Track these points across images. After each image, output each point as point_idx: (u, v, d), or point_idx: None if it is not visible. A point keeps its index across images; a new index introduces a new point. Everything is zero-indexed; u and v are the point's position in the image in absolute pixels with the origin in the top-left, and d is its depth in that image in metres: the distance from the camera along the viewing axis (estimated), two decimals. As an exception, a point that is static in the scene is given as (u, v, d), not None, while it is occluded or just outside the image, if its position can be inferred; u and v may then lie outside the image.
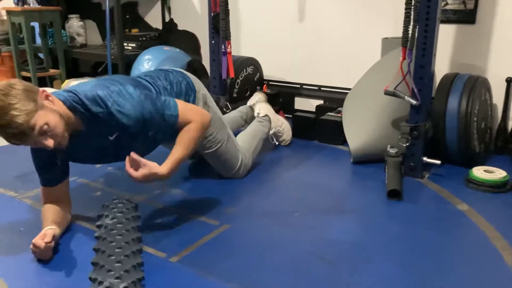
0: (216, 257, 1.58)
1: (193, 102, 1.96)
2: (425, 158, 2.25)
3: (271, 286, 1.41)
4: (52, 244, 1.54)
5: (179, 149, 1.69)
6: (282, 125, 2.68)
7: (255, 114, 2.62)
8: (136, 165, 1.58)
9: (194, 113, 1.75)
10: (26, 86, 1.45)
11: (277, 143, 2.65)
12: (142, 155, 1.70)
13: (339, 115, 2.79)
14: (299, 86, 3.30)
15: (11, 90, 1.40)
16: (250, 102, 2.79)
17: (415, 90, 2.15)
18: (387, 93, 2.23)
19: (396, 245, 1.66)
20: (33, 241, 1.51)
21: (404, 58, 2.13)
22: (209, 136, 2.04)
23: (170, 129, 1.72)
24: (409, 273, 1.49)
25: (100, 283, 1.20)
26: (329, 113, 2.86)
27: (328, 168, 2.43)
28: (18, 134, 1.41)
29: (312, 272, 1.49)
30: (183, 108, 1.73)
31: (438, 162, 2.24)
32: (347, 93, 2.72)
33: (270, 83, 3.38)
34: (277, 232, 1.75)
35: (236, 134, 2.30)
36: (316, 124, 2.82)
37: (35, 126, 1.42)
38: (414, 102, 2.16)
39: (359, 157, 2.44)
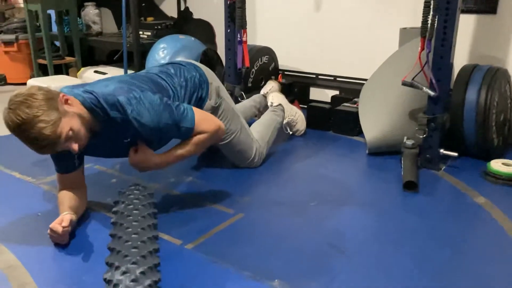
0: (231, 245, 1.59)
1: (206, 94, 1.96)
2: (442, 150, 2.23)
3: (285, 274, 1.41)
4: (69, 228, 1.56)
5: (182, 147, 1.74)
6: (295, 115, 2.66)
7: (269, 104, 2.61)
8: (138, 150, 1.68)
9: (210, 124, 1.76)
10: (46, 94, 1.46)
11: (291, 132, 2.64)
12: (154, 150, 1.75)
13: (355, 105, 2.77)
14: (314, 76, 3.28)
15: (33, 102, 1.41)
16: (263, 91, 2.78)
17: (433, 81, 2.12)
18: (404, 83, 2.20)
19: (411, 237, 1.65)
20: (51, 226, 1.53)
21: (422, 48, 2.10)
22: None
23: (184, 137, 1.76)
24: (425, 266, 1.48)
25: (117, 268, 1.21)
26: (345, 104, 2.83)
27: (343, 159, 2.42)
28: (48, 145, 1.44)
29: (326, 263, 1.49)
30: (200, 119, 1.73)
31: (455, 154, 2.21)
32: (363, 83, 2.69)
33: (285, 73, 3.36)
34: (291, 222, 1.75)
35: (250, 124, 2.29)
36: (331, 114, 2.80)
37: (61, 135, 1.44)
38: (432, 93, 2.14)
39: (375, 148, 2.42)
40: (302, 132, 2.72)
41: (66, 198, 1.71)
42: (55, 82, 3.22)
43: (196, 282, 1.38)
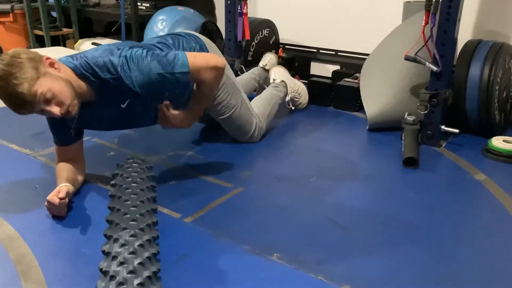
0: (230, 219, 1.58)
1: None
2: (443, 127, 2.21)
3: (284, 248, 1.41)
4: (66, 200, 1.55)
5: (197, 102, 1.74)
6: (299, 89, 2.63)
7: (271, 81, 2.57)
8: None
9: (206, 61, 1.65)
10: (29, 54, 1.44)
11: (293, 108, 2.62)
12: (155, 121, 1.73)
13: (356, 81, 2.73)
14: (315, 50, 3.23)
15: (14, 60, 1.39)
16: (261, 63, 2.74)
17: (437, 56, 2.08)
18: (407, 58, 2.16)
19: (411, 212, 1.65)
20: (48, 197, 1.52)
21: (427, 23, 2.06)
22: (222, 102, 2.01)
23: (185, 87, 1.71)
24: (425, 241, 1.48)
25: (116, 240, 1.21)
26: (346, 79, 2.80)
27: (344, 135, 2.40)
28: (22, 103, 1.41)
29: (326, 237, 1.49)
30: (193, 60, 1.62)
31: (456, 131, 2.20)
32: (365, 58, 2.66)
33: (286, 47, 3.31)
34: (291, 197, 1.75)
35: (250, 99, 2.27)
36: (332, 90, 2.77)
37: (36, 93, 1.41)
38: (435, 68, 2.10)
39: (376, 124, 2.40)
40: (305, 105, 2.69)
41: (64, 170, 1.70)
42: (52, 54, 3.15)
43: (195, 255, 1.38)
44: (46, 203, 1.54)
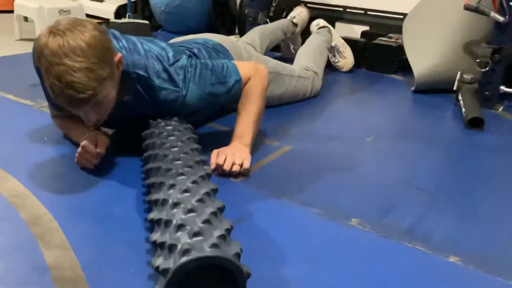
0: (286, 178, 1.31)
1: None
2: (503, 87, 1.97)
3: (363, 213, 1.15)
4: (103, 153, 1.26)
5: (249, 121, 1.37)
6: (343, 46, 2.38)
7: (315, 24, 2.33)
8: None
9: (249, 71, 1.38)
10: (108, 42, 1.12)
11: (336, 61, 2.36)
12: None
13: (394, 40, 2.47)
14: (342, 9, 2.95)
15: (91, 40, 1.05)
16: (291, 15, 2.47)
17: (504, 4, 1.83)
18: (468, 7, 1.91)
19: (494, 176, 1.40)
20: (84, 144, 1.23)
21: (494, -36, 1.80)
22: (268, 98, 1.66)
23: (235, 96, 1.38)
24: (511, 207, 1.24)
25: (171, 186, 0.92)
26: (381, 38, 2.53)
27: (387, 96, 2.14)
28: (79, 100, 1.06)
29: (408, 201, 1.23)
30: (241, 67, 1.37)
31: (519, 92, 1.96)
32: (398, 18, 2.39)
33: (309, 5, 3.00)
34: (350, 157, 1.48)
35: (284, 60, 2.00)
36: (366, 49, 2.50)
37: (97, 96, 1.08)
38: (501, 19, 1.85)
39: (423, 84, 2.14)
40: (351, 67, 2.42)
41: (79, 122, 1.37)
42: (47, 3, 2.81)
43: (256, 217, 1.10)
44: (80, 149, 1.23)
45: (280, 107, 1.85)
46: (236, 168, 1.25)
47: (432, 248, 1.03)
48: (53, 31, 1.05)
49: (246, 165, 1.27)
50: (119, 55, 1.16)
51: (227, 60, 1.40)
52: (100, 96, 1.08)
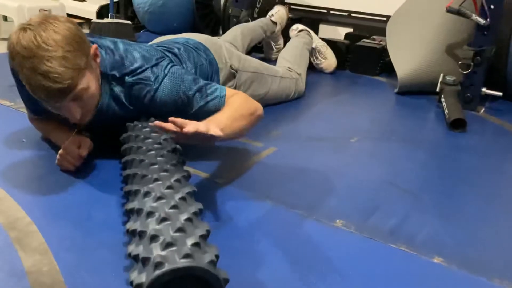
0: (271, 180, 1.30)
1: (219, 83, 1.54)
2: (484, 89, 1.99)
3: (348, 215, 1.14)
4: (86, 156, 1.24)
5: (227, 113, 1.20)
6: (323, 47, 2.38)
7: (294, 28, 2.33)
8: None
9: (240, 98, 1.30)
10: (82, 34, 1.09)
11: (319, 62, 2.37)
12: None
13: (377, 42, 2.48)
14: (326, 11, 2.95)
15: (65, 32, 1.03)
16: (269, 13, 2.47)
17: (485, 7, 1.85)
18: (450, 10, 1.92)
19: (477, 176, 1.41)
20: (66, 146, 1.21)
21: (475, -32, 1.82)
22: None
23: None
24: (493, 207, 1.24)
25: (146, 194, 0.90)
26: (365, 40, 2.54)
27: (370, 97, 2.15)
28: (57, 90, 1.02)
29: (393, 202, 1.23)
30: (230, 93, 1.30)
31: (500, 94, 1.98)
32: (381, 20, 2.41)
33: (293, 6, 3.01)
34: (334, 158, 1.48)
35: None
36: (350, 51, 2.51)
37: (77, 87, 1.05)
38: (482, 21, 1.87)
39: (406, 86, 2.15)
40: (334, 68, 2.42)
41: (60, 124, 1.33)
42: (27, 2, 2.76)
43: (239, 219, 1.09)
44: (62, 151, 1.21)
45: (264, 108, 1.84)
46: (171, 127, 0.98)
47: (416, 249, 1.03)
48: (24, 27, 1.03)
49: (189, 129, 0.97)
50: (94, 46, 1.14)
51: (221, 86, 1.32)
52: (80, 87, 1.06)
